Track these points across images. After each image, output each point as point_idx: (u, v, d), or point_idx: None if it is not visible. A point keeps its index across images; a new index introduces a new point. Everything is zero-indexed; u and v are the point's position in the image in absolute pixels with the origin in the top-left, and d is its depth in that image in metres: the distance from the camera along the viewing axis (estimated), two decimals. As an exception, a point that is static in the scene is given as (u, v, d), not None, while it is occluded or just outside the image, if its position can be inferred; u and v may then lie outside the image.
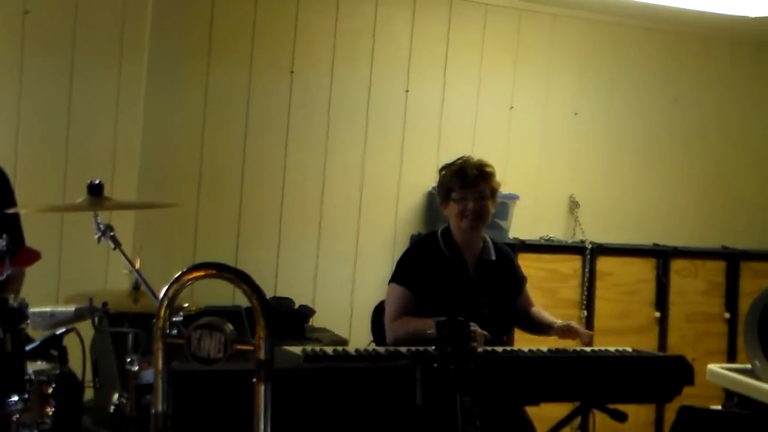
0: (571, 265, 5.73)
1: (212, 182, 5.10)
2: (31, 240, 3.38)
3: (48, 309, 2.74)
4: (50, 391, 2.67)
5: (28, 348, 2.64)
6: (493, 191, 3.86)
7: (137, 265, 2.83)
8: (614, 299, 5.83)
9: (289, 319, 5.09)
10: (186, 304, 2.73)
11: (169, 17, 4.86)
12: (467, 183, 3.78)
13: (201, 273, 1.80)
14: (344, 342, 4.99)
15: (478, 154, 5.45)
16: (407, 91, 5.50)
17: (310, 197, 5.36)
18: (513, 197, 5.58)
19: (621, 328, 5.82)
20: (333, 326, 5.24)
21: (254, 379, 1.75)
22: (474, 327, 3.48)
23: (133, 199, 4.68)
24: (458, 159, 3.91)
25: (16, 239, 3.37)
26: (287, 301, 5.21)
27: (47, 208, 3.05)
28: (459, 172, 3.81)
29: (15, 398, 2.53)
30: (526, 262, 5.63)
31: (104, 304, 2.68)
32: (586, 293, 5.73)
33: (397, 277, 3.83)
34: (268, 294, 5.17)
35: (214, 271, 1.81)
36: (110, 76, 4.76)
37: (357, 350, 3.34)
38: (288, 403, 2.24)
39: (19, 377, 2.53)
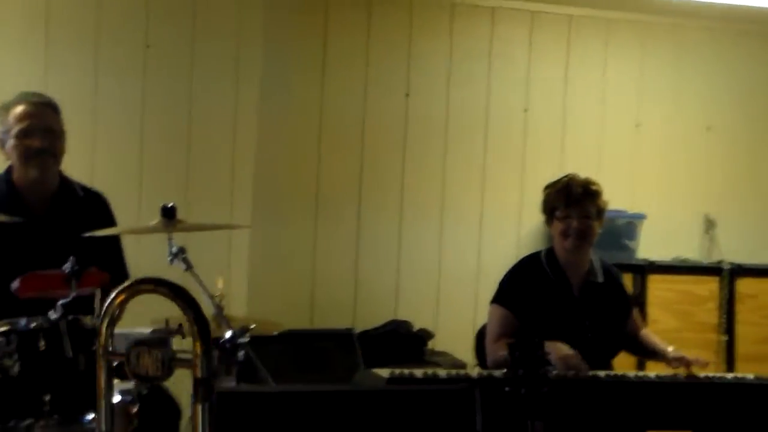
0: (708, 286, 5.44)
1: (328, 205, 5.13)
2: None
3: (125, 330, 2.81)
4: (134, 410, 2.72)
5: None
6: (600, 211, 3.71)
7: (220, 285, 2.87)
8: (758, 323, 5.49)
9: (407, 342, 5.06)
10: (253, 325, 2.74)
11: (283, 43, 4.95)
12: (571, 201, 3.65)
13: (138, 288, 1.79)
14: (463, 365, 4.91)
15: (603, 172, 5.29)
16: (526, 110, 5.39)
17: (429, 219, 5.32)
18: (640, 217, 5.37)
19: (766, 354, 5.47)
20: (455, 349, 5.15)
21: (193, 400, 1.72)
22: (567, 352, 3.37)
23: (249, 221, 4.77)
24: (564, 177, 3.78)
25: (117, 263, 3.50)
26: (406, 324, 5.18)
27: (125, 230, 3.13)
28: (563, 190, 3.69)
29: (90, 416, 2.59)
30: (656, 284, 5.40)
31: (179, 326, 2.72)
32: (725, 317, 5.42)
33: (498, 298, 3.74)
34: (388, 317, 5.17)
35: (151, 286, 1.79)
36: (227, 102, 4.88)
37: (449, 374, 3.27)
38: (352, 424, 2.21)
39: (93, 395, 2.59)
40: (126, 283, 1.82)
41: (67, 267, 2.61)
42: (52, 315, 2.54)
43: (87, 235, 2.99)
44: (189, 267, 2.79)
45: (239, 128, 4.92)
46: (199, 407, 1.69)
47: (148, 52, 4.75)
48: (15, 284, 2.57)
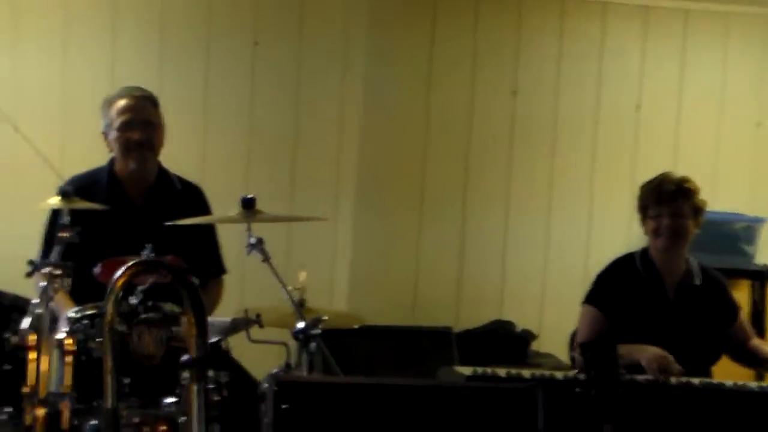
0: (843, 296, 5.16)
1: (433, 202, 5.12)
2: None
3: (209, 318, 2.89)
4: (216, 398, 2.78)
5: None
6: (696, 210, 3.58)
7: (301, 278, 2.91)
8: None
9: (509, 342, 5.01)
10: (325, 317, 2.77)
11: (389, 37, 4.97)
12: (663, 199, 3.54)
13: (135, 269, 1.83)
14: (567, 368, 4.82)
15: (720, 173, 5.11)
16: (638, 108, 5.24)
17: (536, 218, 5.24)
18: (760, 220, 5.14)
19: None
20: (561, 351, 5.06)
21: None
22: (658, 353, 3.26)
23: (352, 216, 4.81)
24: (659, 175, 3.67)
25: (212, 253, 3.60)
26: (508, 325, 5.12)
27: (203, 220, 3.21)
28: (655, 188, 3.59)
29: (169, 399, 2.68)
30: (779, 291, 5.16)
31: (257, 316, 2.78)
32: None
33: (589, 298, 3.66)
34: (492, 316, 5.13)
35: (144, 267, 1.83)
36: (332, 98, 4.95)
37: (533, 374, 3.22)
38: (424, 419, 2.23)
39: (171, 379, 2.68)
40: (126, 266, 1.86)
41: (144, 254, 2.70)
42: (132, 300, 2.63)
43: (169, 223, 3.08)
44: (266, 258, 2.84)
45: (344, 124, 4.98)
46: (194, 387, 1.73)
47: (257, 49, 4.85)
48: (97, 269, 2.68)
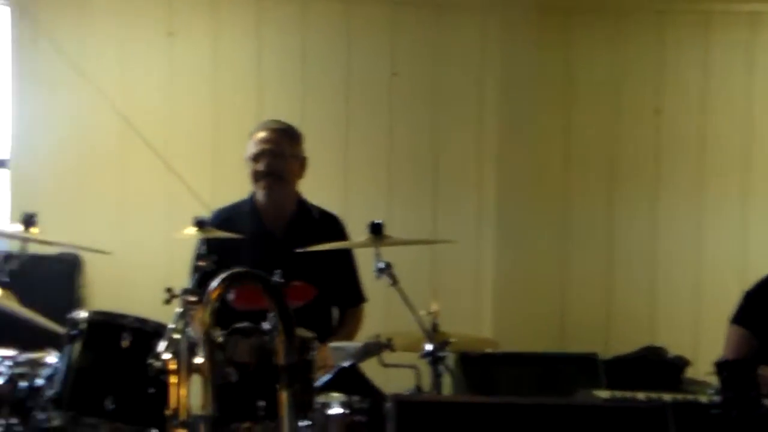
0: None
1: (576, 226, 5.05)
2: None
3: (341, 344, 2.95)
4: (355, 420, 2.82)
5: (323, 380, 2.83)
6: None
7: (434, 307, 2.92)
8: None
9: (660, 369, 4.84)
10: (453, 339, 2.77)
11: (524, 66, 4.94)
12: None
13: (226, 283, 1.90)
14: (723, 396, 4.61)
15: None
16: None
17: (686, 242, 5.09)
18: None
19: None
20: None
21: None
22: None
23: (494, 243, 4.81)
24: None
25: (350, 280, 3.66)
26: (660, 351, 4.94)
27: (333, 245, 3.25)
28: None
29: (304, 423, 2.73)
30: None
31: (389, 340, 2.81)
32: None
33: (737, 318, 3.51)
34: (642, 342, 4.98)
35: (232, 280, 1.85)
36: (469, 126, 4.99)
37: (674, 399, 3.10)
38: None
39: (307, 404, 2.73)
40: (220, 278, 1.92)
41: (273, 280, 2.77)
42: (265, 326, 2.71)
43: (300, 250, 3.16)
44: (395, 282, 2.87)
45: (483, 151, 4.98)
46: (284, 394, 1.77)
47: (394, 80, 4.93)
48: (231, 295, 2.77)
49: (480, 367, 4.04)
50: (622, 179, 5.05)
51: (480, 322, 4.87)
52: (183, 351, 2.44)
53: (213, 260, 2.81)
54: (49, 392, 2.67)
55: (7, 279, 2.79)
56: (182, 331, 2.51)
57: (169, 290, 2.53)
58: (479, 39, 4.94)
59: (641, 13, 5.01)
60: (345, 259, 3.65)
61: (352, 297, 3.71)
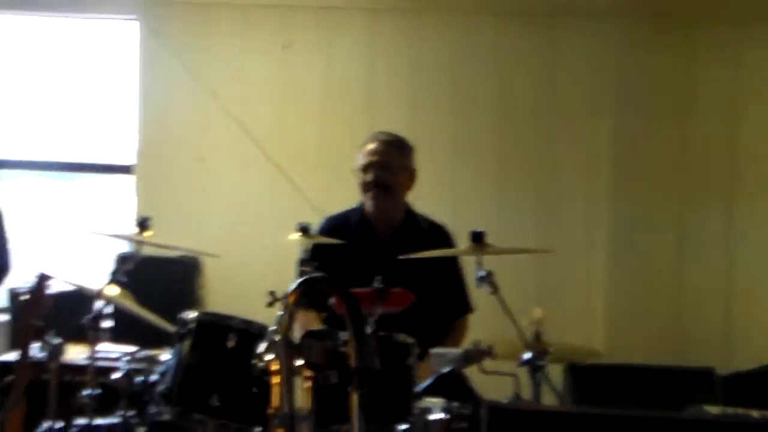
0: None
1: (694, 237, 4.92)
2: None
3: (442, 350, 2.98)
4: (455, 425, 2.84)
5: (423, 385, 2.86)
6: None
7: (537, 315, 2.91)
8: None
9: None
10: (552, 349, 2.76)
11: (641, 74, 4.88)
12: None
13: (303, 287, 1.96)
14: None
15: None
16: None
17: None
18: None
19: None
20: None
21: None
22: None
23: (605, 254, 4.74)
24: None
25: (456, 289, 3.68)
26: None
27: (431, 253, 3.26)
28: None
29: (403, 426, 2.77)
30: None
31: (489, 348, 2.82)
32: None
33: None
34: (766, 358, 4.82)
35: (311, 285, 1.98)
36: (582, 133, 4.94)
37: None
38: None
39: (405, 408, 2.77)
40: (296, 283, 1.97)
41: (373, 286, 2.83)
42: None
43: (401, 257, 3.20)
44: (495, 291, 2.88)
45: (596, 158, 4.93)
46: (355, 395, 1.80)
47: (502, 89, 4.94)
48: (332, 300, 2.83)
49: (589, 377, 4.00)
50: (741, 187, 4.91)
51: (591, 332, 4.81)
52: (282, 352, 2.52)
53: (314, 265, 2.87)
54: (160, 388, 2.79)
55: (124, 279, 2.92)
56: (281, 333, 2.59)
57: (271, 293, 2.60)
58: (595, 45, 4.90)
59: (761, 19, 4.85)
60: (452, 268, 3.67)
61: (459, 306, 3.73)
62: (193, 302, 4.80)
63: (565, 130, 4.94)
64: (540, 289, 4.79)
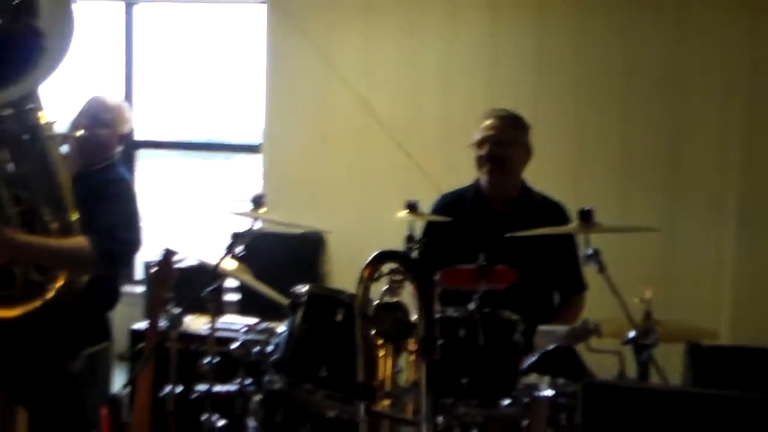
0: None
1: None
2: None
3: (546, 327, 2.99)
4: (561, 401, 2.86)
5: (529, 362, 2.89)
6: None
7: (647, 295, 2.88)
8: None
9: None
10: (657, 328, 2.73)
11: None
12: None
13: (376, 262, 2.07)
14: None
15: None
16: None
17: None
18: None
19: None
20: None
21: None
22: None
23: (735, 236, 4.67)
24: None
25: (571, 266, 3.67)
26: None
27: (534, 232, 3.25)
28: None
29: (506, 401, 2.81)
30: None
31: (596, 326, 2.81)
32: None
33: None
34: None
35: (381, 259, 2.06)
36: (713, 114, 4.81)
37: None
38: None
39: (510, 384, 2.81)
40: (369, 258, 2.03)
41: (477, 263, 2.87)
42: (470, 306, 2.81)
43: (510, 235, 3.21)
44: (602, 269, 2.87)
45: (725, 139, 4.78)
46: (422, 364, 1.86)
47: (628, 72, 4.86)
48: (437, 276, 2.88)
49: (710, 359, 3.91)
50: None
51: (716, 314, 4.69)
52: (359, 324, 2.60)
53: (423, 242, 2.93)
54: (273, 358, 2.91)
55: (241, 254, 3.05)
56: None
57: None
58: (726, 30, 4.74)
59: None
60: (567, 245, 3.66)
61: (575, 284, 3.72)
62: (317, 277, 4.96)
63: (694, 111, 4.81)
64: (665, 269, 4.72)
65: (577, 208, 3.52)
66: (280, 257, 4.78)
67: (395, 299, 2.10)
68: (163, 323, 3.13)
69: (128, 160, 5.35)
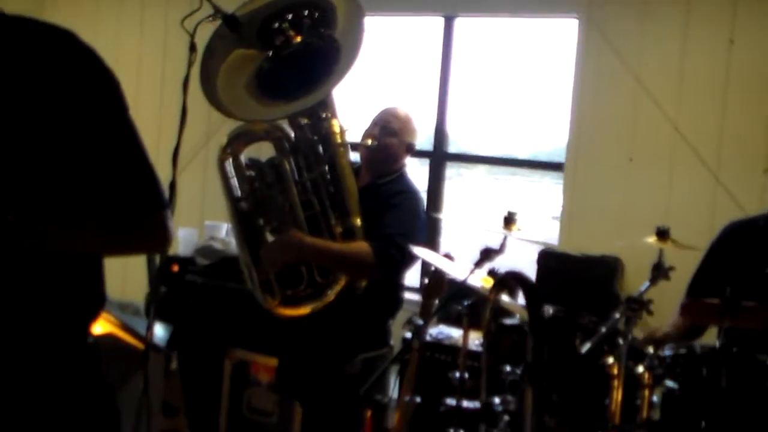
0: None
1: None
2: None
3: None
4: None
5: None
6: None
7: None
8: None
9: None
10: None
11: None
12: None
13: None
14: None
15: None
16: None
17: None
18: None
19: None
20: None
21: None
22: None
23: None
24: None
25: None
26: None
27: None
28: None
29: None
30: None
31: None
32: None
33: None
34: None
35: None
36: None
37: None
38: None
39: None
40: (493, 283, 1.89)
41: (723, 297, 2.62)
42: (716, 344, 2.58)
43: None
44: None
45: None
46: (528, 391, 1.70)
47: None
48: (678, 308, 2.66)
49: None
50: None
51: None
52: (623, 356, 2.45)
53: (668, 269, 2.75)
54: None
55: (492, 270, 3.00)
56: (625, 337, 2.51)
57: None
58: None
59: None
60: None
61: None
62: (611, 301, 4.76)
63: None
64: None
65: None
66: (575, 280, 4.68)
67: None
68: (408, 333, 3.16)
69: (437, 171, 5.49)
